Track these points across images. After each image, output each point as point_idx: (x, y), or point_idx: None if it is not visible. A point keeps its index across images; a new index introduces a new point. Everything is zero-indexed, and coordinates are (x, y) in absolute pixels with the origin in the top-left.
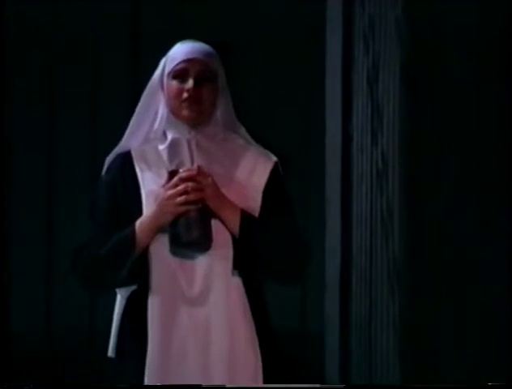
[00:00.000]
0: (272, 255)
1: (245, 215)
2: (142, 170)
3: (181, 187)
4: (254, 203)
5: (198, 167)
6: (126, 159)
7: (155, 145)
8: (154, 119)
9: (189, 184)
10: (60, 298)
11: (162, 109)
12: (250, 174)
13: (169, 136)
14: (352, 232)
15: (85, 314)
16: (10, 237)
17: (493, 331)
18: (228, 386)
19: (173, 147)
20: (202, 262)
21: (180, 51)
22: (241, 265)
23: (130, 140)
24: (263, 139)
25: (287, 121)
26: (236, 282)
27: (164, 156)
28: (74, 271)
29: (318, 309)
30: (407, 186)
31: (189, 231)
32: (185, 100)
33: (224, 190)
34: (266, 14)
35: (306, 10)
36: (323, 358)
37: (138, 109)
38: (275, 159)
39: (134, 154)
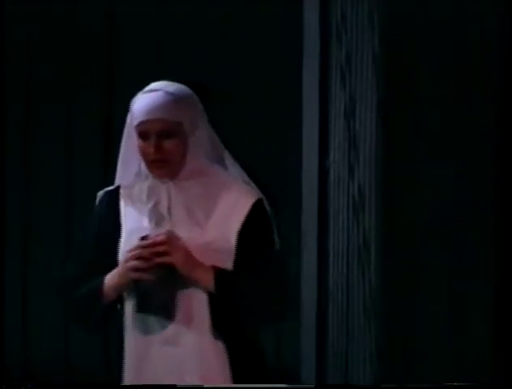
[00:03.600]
0: (251, 307)
1: (219, 272)
2: (125, 208)
3: (135, 252)
4: (228, 244)
5: (167, 231)
6: (113, 196)
7: (142, 182)
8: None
9: (153, 249)
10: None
11: None
12: (228, 214)
13: (149, 176)
14: (329, 265)
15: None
16: None
17: (472, 362)
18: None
19: (152, 187)
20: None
21: (140, 109)
22: (219, 325)
23: (122, 177)
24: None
25: (263, 154)
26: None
27: (144, 194)
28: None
29: (294, 343)
30: (383, 220)
31: (146, 301)
32: (152, 161)
33: (200, 232)
34: (241, 49)
35: (283, 43)
36: None
37: (123, 148)
38: (256, 197)
39: (121, 191)
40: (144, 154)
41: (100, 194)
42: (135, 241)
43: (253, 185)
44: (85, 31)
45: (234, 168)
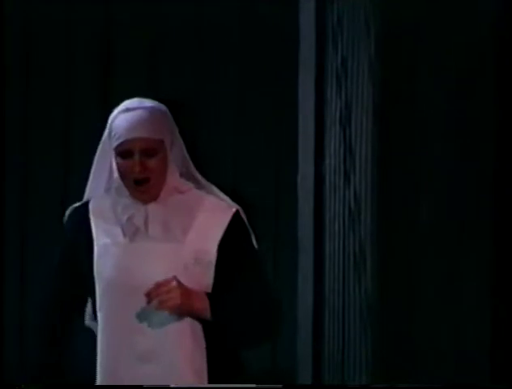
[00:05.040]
0: (242, 330)
1: (212, 299)
2: (96, 224)
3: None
4: (208, 257)
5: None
6: (82, 212)
7: (113, 196)
8: (111, 170)
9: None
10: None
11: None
12: (207, 228)
13: (123, 192)
14: (325, 272)
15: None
16: None
17: (469, 369)
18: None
19: (128, 203)
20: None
21: (122, 127)
22: (211, 348)
23: (92, 191)
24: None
25: (258, 160)
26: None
27: (119, 208)
28: None
29: (290, 348)
30: (379, 227)
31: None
32: (134, 181)
33: (178, 247)
34: (236, 55)
35: (279, 49)
36: None
37: (95, 163)
38: (234, 208)
39: (91, 207)
40: (126, 173)
41: (69, 211)
42: (109, 257)
43: (226, 197)
44: (83, 32)
45: (206, 183)
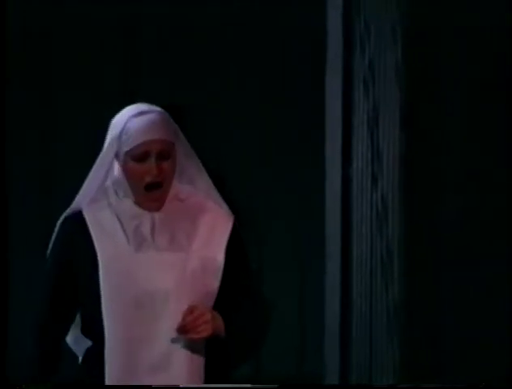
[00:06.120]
0: (249, 339)
1: (225, 317)
2: (97, 235)
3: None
4: (215, 265)
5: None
6: (77, 222)
7: (112, 204)
8: (105, 176)
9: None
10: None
11: (116, 172)
12: (209, 237)
13: (125, 200)
14: (352, 275)
15: None
16: None
17: (495, 374)
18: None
19: (133, 212)
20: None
21: (139, 129)
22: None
23: (81, 199)
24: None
25: (285, 163)
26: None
27: (124, 217)
28: None
29: (318, 353)
30: (406, 230)
31: None
32: (147, 186)
33: (184, 257)
34: (264, 59)
35: (306, 52)
36: None
37: (94, 166)
38: (232, 217)
39: (87, 216)
40: (139, 177)
41: (61, 220)
42: (115, 269)
43: (222, 201)
44: (105, 32)
45: (202, 184)
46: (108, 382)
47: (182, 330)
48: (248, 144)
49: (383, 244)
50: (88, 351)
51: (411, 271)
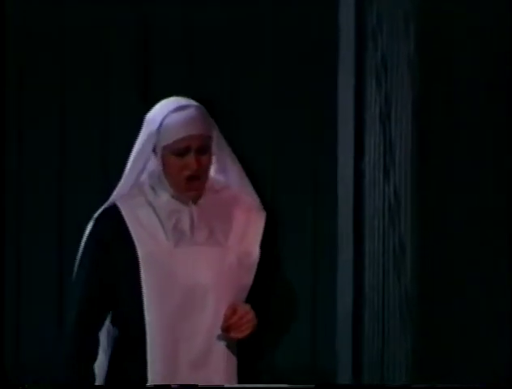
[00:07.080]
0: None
1: (257, 311)
2: (135, 230)
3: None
4: (251, 259)
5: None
6: (114, 216)
7: (149, 198)
8: (142, 170)
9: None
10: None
11: (153, 166)
12: (244, 231)
13: (162, 195)
14: (365, 268)
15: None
16: None
17: (509, 365)
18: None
19: (171, 207)
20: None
21: (179, 124)
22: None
23: (118, 194)
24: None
25: (298, 157)
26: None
27: (163, 212)
28: None
29: (330, 348)
30: (419, 223)
31: None
32: (188, 178)
33: (221, 252)
34: (276, 53)
35: (318, 46)
36: None
37: (131, 160)
38: (263, 211)
39: (123, 211)
40: (179, 171)
41: (97, 215)
42: (156, 264)
43: (254, 193)
44: (121, 33)
45: (235, 175)
46: (151, 377)
47: (227, 329)
48: (260, 138)
49: (396, 237)
50: (120, 345)
51: (423, 263)
